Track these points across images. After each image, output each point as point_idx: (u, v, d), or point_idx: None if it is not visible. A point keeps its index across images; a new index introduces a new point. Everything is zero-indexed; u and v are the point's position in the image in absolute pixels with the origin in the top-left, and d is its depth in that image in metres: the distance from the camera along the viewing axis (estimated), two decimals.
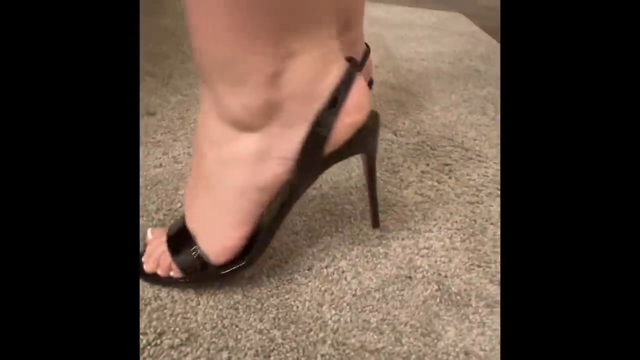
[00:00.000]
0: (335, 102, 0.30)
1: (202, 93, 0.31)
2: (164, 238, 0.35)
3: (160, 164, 0.49)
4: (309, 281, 0.37)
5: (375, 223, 0.42)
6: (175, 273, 0.34)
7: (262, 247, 0.34)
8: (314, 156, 0.31)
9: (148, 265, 0.35)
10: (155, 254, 0.35)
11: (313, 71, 0.29)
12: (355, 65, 0.32)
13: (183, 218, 0.35)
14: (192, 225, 0.34)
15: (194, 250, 0.33)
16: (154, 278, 0.35)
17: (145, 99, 0.60)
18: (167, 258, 0.34)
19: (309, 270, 0.39)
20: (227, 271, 0.33)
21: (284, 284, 0.37)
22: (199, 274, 0.34)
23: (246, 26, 0.26)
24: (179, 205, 0.44)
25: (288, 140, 0.30)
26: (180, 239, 0.34)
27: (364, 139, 0.33)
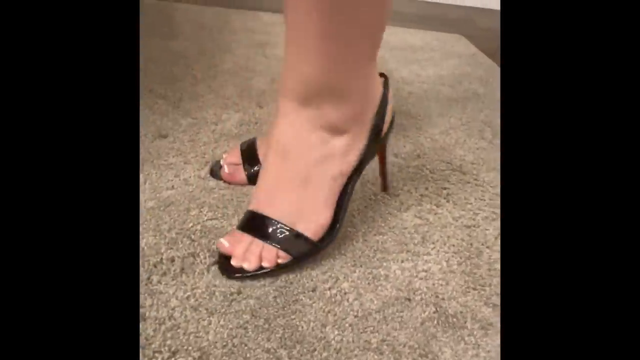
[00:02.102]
0: (384, 105, 0.45)
1: (295, 112, 0.40)
2: (248, 238, 0.41)
3: (172, 186, 0.52)
4: (313, 302, 0.40)
5: (385, 187, 0.55)
6: (283, 259, 0.41)
7: (343, 217, 0.44)
8: (372, 145, 0.45)
9: (251, 264, 0.40)
10: (255, 251, 0.41)
11: (377, 84, 0.43)
12: (386, 77, 0.46)
13: (259, 219, 0.42)
14: (288, 217, 0.41)
15: (297, 235, 0.41)
16: (251, 273, 0.41)
17: (158, 122, 0.63)
18: (272, 250, 0.41)
19: (313, 291, 0.41)
20: (325, 242, 0.43)
21: (290, 305, 0.39)
22: (305, 253, 0.42)
23: (354, 57, 0.38)
24: (190, 225, 0.46)
25: (361, 138, 0.43)
26: (278, 232, 0.41)
27: (390, 128, 0.47)
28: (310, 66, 0.37)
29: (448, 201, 0.56)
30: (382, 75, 0.46)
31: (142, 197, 0.49)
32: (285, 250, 0.41)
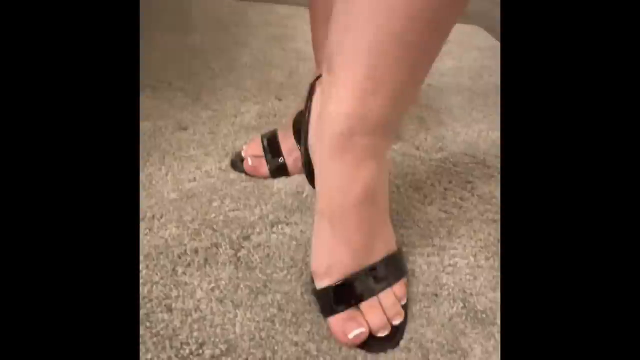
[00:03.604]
0: None
1: (382, 148, 0.34)
2: (371, 301, 0.35)
3: (194, 178, 0.51)
4: None
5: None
6: (404, 283, 0.38)
7: None
8: None
9: (400, 314, 0.36)
10: (389, 302, 0.35)
11: None
12: None
13: (363, 279, 0.35)
14: (363, 251, 0.36)
15: (393, 257, 0.37)
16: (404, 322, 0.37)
17: (177, 115, 0.63)
18: (401, 286, 0.37)
19: None
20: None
21: (315, 301, 0.38)
22: (403, 262, 0.39)
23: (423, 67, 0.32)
24: (212, 215, 0.46)
25: None
26: (378, 273, 0.36)
27: None
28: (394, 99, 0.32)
29: (472, 195, 0.54)
30: None
31: (164, 189, 0.49)
32: (397, 278, 0.36)
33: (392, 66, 0.29)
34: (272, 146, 0.53)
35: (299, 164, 0.52)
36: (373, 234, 0.36)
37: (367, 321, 0.34)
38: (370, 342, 0.34)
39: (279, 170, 0.53)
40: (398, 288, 0.36)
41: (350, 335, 0.33)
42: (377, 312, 0.34)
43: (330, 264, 0.35)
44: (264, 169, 0.52)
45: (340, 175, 0.34)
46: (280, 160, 0.52)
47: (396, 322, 0.35)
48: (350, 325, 0.34)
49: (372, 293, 0.35)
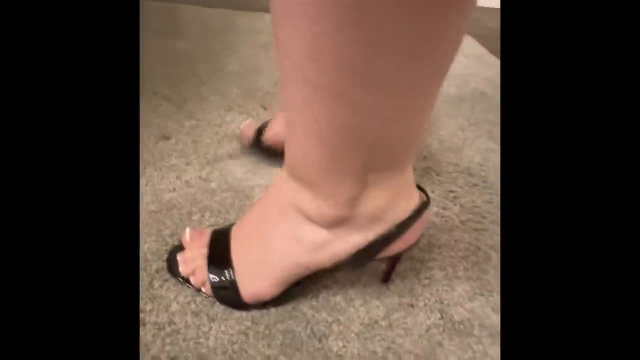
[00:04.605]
0: (404, 228, 0.34)
1: (284, 177, 0.35)
2: (204, 250, 0.39)
3: (174, 188, 0.51)
4: (316, 312, 0.39)
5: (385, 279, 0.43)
6: (206, 290, 0.38)
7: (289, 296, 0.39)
8: (361, 260, 0.35)
9: (184, 271, 0.39)
10: (193, 264, 0.39)
11: (384, 200, 0.33)
12: (427, 203, 0.35)
13: (227, 238, 0.39)
14: (238, 263, 0.37)
15: (232, 283, 0.37)
16: (185, 280, 0.39)
17: (161, 124, 0.63)
18: (203, 274, 0.38)
19: (316, 298, 0.40)
20: (251, 308, 0.38)
21: (289, 311, 0.38)
22: (227, 302, 0.38)
23: (334, 162, 0.30)
24: None
25: (347, 243, 0.34)
26: (221, 266, 0.38)
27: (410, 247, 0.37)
28: (292, 145, 0.31)
29: (455, 204, 0.54)
30: (421, 190, 0.36)
31: (144, 200, 0.49)
32: (212, 287, 0.37)
33: (297, 130, 0.30)
34: (262, 127, 0.58)
35: (277, 138, 0.55)
36: (248, 237, 0.38)
37: None
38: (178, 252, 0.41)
39: (259, 133, 0.57)
40: (201, 274, 0.39)
41: (188, 230, 0.42)
42: (193, 252, 0.40)
43: None
44: (251, 132, 0.57)
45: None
46: (264, 144, 0.57)
47: (180, 269, 0.39)
48: (193, 235, 0.41)
49: (210, 248, 0.40)
